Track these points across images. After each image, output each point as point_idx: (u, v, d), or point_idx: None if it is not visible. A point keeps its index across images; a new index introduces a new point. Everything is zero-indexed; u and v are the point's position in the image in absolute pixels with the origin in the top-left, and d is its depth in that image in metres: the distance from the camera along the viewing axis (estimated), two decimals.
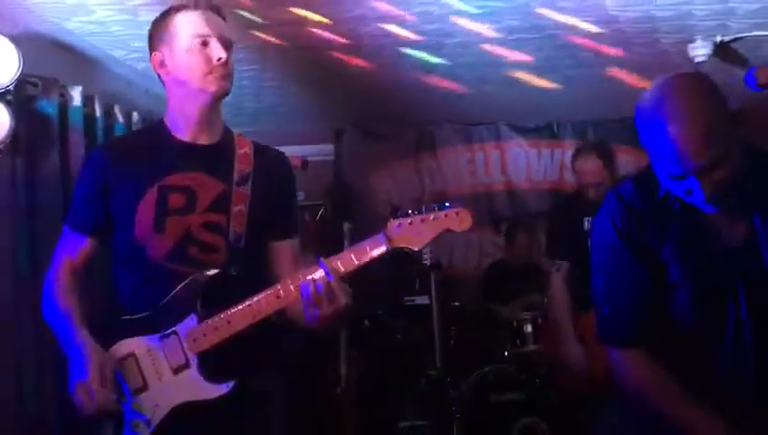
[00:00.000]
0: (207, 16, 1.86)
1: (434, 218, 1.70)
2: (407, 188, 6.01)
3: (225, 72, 1.85)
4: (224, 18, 1.91)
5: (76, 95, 3.39)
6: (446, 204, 1.71)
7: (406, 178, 6.04)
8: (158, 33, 1.89)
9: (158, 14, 1.93)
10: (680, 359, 1.66)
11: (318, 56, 4.02)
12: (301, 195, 5.15)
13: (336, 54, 3.98)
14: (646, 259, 1.66)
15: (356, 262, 1.71)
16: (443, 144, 6.00)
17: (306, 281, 1.69)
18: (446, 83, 4.58)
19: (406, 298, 4.69)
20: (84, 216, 1.93)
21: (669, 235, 1.64)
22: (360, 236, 3.90)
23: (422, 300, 4.55)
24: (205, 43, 1.83)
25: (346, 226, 3.82)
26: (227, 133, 1.97)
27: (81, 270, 1.94)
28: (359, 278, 1.78)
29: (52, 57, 3.44)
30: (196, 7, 1.87)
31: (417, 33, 3.64)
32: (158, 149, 1.91)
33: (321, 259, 1.72)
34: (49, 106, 3.20)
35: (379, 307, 4.44)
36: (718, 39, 3.71)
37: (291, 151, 4.51)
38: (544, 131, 5.96)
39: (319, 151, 5.82)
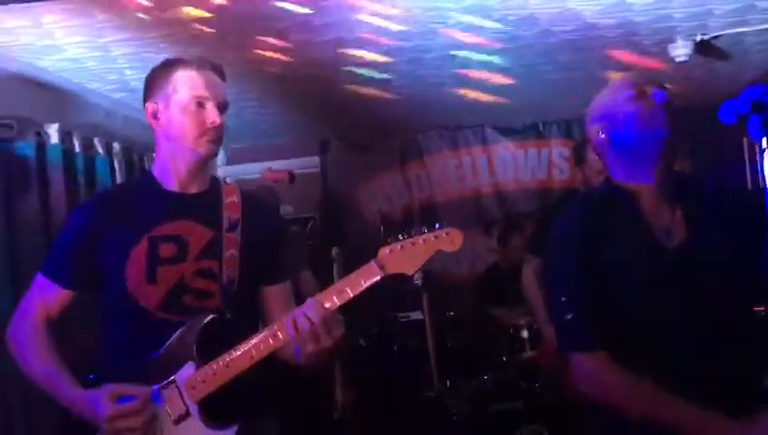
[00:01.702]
0: (208, 78, 1.85)
1: (424, 241, 1.67)
2: (396, 196, 5.99)
3: (217, 135, 1.85)
4: (224, 79, 1.90)
5: (53, 133, 3.34)
6: (436, 225, 1.69)
7: (394, 187, 6.02)
8: (156, 84, 1.87)
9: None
10: (631, 359, 1.65)
11: (297, 73, 3.98)
12: (289, 208, 5.15)
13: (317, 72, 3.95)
14: (599, 259, 1.69)
15: (350, 294, 1.69)
16: (429, 151, 5.98)
17: (302, 318, 1.67)
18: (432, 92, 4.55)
19: (400, 314, 4.64)
20: (69, 270, 1.89)
21: (611, 231, 1.71)
22: (349, 258, 3.92)
23: (417, 315, 4.50)
24: (201, 105, 1.83)
25: (335, 250, 3.77)
26: (215, 181, 1.98)
27: (56, 321, 1.91)
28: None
29: (25, 96, 3.39)
30: (199, 66, 1.85)
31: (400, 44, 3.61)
32: (147, 200, 1.90)
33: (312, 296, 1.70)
34: (26, 147, 3.16)
35: (374, 325, 4.40)
36: (698, 38, 3.69)
37: (277, 165, 4.55)
38: (530, 132, 5.95)
39: (305, 164, 5.78)
